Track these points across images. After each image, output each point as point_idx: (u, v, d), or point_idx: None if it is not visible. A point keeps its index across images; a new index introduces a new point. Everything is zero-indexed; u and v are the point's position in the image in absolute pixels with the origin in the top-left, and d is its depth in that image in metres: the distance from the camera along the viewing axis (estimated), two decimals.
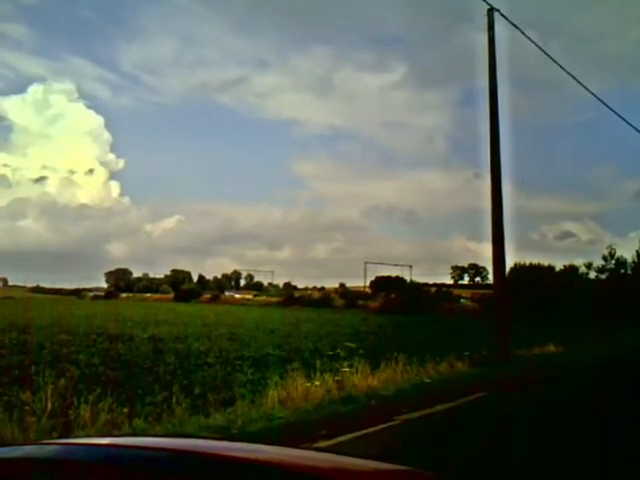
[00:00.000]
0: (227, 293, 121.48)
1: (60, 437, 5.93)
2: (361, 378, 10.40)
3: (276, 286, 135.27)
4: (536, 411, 8.76)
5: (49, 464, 1.32)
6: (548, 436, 6.79)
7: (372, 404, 8.90)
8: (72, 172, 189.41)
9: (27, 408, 6.79)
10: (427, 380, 11.38)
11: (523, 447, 6.23)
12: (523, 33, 17.11)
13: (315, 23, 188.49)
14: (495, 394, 10.37)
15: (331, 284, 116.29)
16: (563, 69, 18.38)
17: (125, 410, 7.16)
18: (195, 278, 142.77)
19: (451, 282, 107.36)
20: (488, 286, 52.69)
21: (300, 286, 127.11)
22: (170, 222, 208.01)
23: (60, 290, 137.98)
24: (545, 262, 56.12)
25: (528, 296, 42.80)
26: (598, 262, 55.27)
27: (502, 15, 16.73)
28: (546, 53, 18.58)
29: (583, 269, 55.57)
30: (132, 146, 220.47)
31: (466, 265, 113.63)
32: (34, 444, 1.95)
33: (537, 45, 18.13)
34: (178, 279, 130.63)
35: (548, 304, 44.21)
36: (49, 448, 1.50)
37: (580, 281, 52.47)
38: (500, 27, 17.02)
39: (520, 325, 22.43)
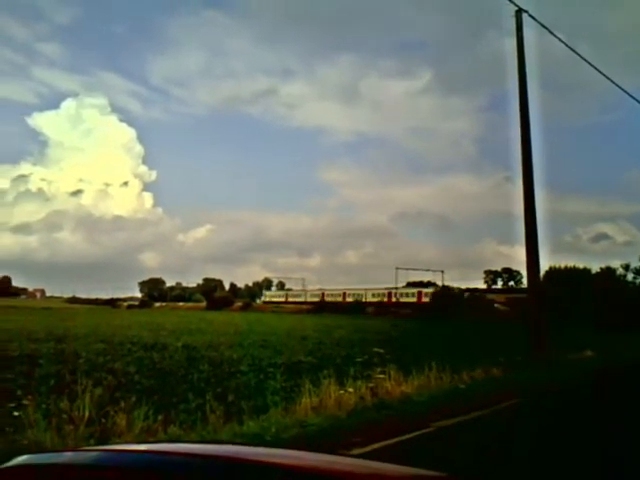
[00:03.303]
0: (258, 301, 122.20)
1: (97, 444, 6.03)
2: (394, 385, 10.30)
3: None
4: (572, 418, 8.57)
5: (89, 470, 1.34)
6: (581, 443, 6.63)
7: (406, 411, 8.81)
8: (107, 185, 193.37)
9: (65, 416, 6.93)
10: (461, 386, 11.22)
11: (558, 453, 6.09)
12: (552, 33, 16.92)
13: (340, 31, 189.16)
14: (529, 401, 10.18)
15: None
16: (593, 66, 18.09)
17: (160, 417, 7.24)
18: (227, 286, 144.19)
19: (484, 287, 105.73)
20: (522, 290, 51.76)
21: None
22: (202, 231, 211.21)
23: (96, 300, 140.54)
24: (580, 265, 54.93)
25: (564, 299, 41.90)
26: (636, 263, 53.96)
27: (530, 16, 16.58)
28: (575, 51, 18.30)
29: (620, 271, 54.22)
30: (164, 158, 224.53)
31: (499, 269, 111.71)
32: (74, 450, 1.98)
33: (566, 44, 17.90)
34: (210, 288, 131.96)
35: (585, 307, 43.16)
36: (88, 454, 1.52)
37: (618, 283, 51.12)
38: (527, 30, 16.86)
39: (556, 329, 21.97)
